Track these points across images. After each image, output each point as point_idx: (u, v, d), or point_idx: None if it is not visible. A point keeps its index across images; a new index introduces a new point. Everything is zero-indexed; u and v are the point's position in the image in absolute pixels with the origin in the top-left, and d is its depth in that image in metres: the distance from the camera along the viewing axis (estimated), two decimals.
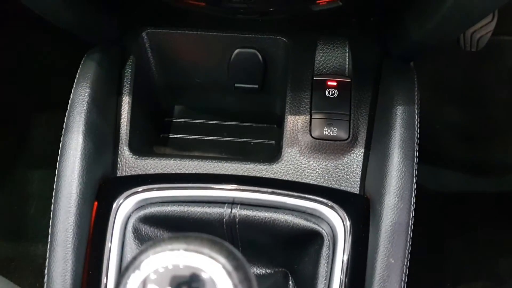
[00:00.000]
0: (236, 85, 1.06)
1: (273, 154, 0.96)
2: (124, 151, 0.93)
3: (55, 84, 1.38)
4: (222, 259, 0.50)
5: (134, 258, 0.51)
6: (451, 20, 0.77)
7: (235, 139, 1.08)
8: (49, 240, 0.84)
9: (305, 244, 0.86)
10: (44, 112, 1.65)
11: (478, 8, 0.76)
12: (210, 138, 1.08)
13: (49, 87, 1.63)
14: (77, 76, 0.93)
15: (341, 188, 0.88)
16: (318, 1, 0.75)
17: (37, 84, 1.67)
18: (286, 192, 0.85)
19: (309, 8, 0.78)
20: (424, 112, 0.97)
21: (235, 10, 0.77)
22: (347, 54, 0.97)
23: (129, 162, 0.92)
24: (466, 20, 0.79)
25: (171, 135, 1.09)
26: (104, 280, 0.83)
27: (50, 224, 0.84)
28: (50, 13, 0.86)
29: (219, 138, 1.08)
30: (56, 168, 0.88)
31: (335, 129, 0.91)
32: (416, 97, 0.88)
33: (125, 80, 0.97)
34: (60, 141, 0.89)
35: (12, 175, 1.61)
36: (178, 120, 1.13)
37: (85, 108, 0.88)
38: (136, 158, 0.92)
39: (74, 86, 0.92)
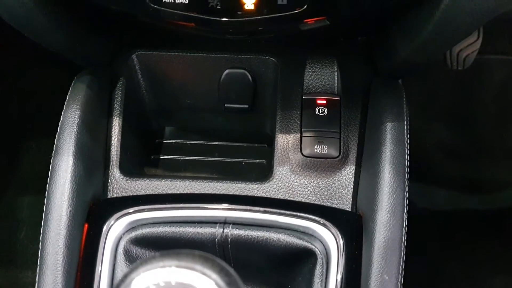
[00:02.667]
0: (226, 105, 1.06)
1: (264, 173, 0.95)
2: (115, 172, 0.92)
3: (45, 106, 1.38)
4: (215, 275, 0.50)
5: (125, 276, 0.51)
6: (437, 37, 0.78)
7: (226, 159, 1.08)
8: (38, 263, 0.82)
9: (298, 262, 0.85)
10: (34, 136, 1.64)
11: (464, 23, 0.77)
12: (201, 158, 1.08)
13: (39, 109, 1.62)
14: (67, 98, 0.93)
15: (333, 205, 0.88)
16: (306, 20, 0.75)
17: (26, 106, 1.66)
18: (278, 211, 0.85)
19: (297, 27, 0.79)
20: (413, 129, 0.98)
21: (224, 30, 0.78)
22: (336, 73, 0.98)
23: (120, 184, 0.91)
24: (452, 36, 0.81)
25: (161, 156, 1.09)
26: None
27: (40, 247, 0.83)
28: (40, 37, 0.86)
29: (210, 158, 1.08)
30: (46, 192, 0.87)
31: (325, 147, 0.91)
32: (405, 113, 0.89)
33: (115, 102, 0.97)
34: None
35: (1, 200, 1.59)
36: (169, 141, 1.12)
37: (75, 130, 0.88)
38: (127, 180, 0.92)
39: (64, 108, 0.91)
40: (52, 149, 0.89)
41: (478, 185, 1.68)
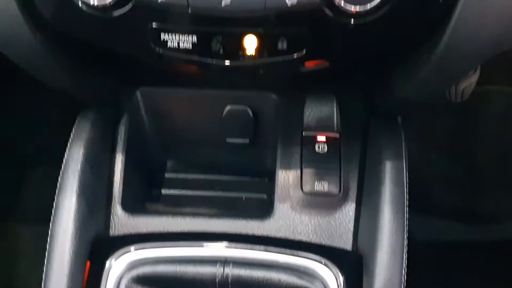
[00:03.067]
0: (227, 140, 1.08)
1: (264, 209, 0.96)
2: (117, 209, 0.93)
3: (47, 141, 1.39)
4: None
5: None
6: (435, 79, 0.80)
7: (227, 194, 1.09)
8: None
9: None
10: (36, 168, 1.65)
11: (462, 66, 0.79)
12: (202, 193, 1.09)
13: (41, 143, 1.63)
14: (71, 136, 0.94)
15: (334, 244, 0.89)
16: (306, 65, 0.77)
17: (28, 139, 1.68)
18: (279, 250, 0.85)
19: (298, 70, 0.81)
20: (413, 161, 0.99)
21: (226, 72, 0.80)
22: (335, 110, 0.99)
23: (122, 221, 0.92)
24: (450, 78, 0.83)
25: (163, 191, 1.10)
26: None
27: (42, 285, 0.84)
28: (45, 76, 0.88)
29: (211, 193, 1.09)
30: (47, 224, 0.88)
31: (326, 184, 0.92)
32: (404, 153, 0.90)
33: (118, 138, 0.98)
34: (52, 197, 0.89)
35: (2, 231, 1.59)
36: (170, 175, 1.14)
37: (79, 168, 0.90)
38: (129, 217, 0.93)
39: (68, 146, 0.93)
40: (54, 181, 0.91)
41: (478, 216, 1.69)
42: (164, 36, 0.75)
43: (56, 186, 0.91)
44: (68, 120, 1.00)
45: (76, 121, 0.97)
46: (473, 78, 1.56)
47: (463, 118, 1.79)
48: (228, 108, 1.04)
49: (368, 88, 1.02)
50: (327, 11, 0.69)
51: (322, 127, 0.98)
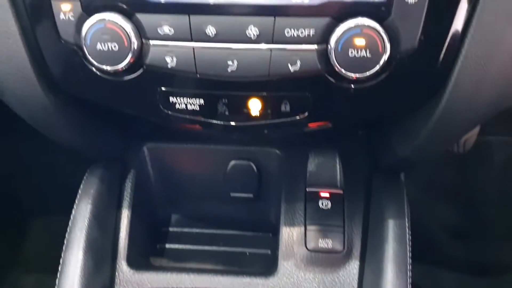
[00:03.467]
0: (231, 194, 1.09)
1: (268, 266, 0.97)
2: (122, 265, 0.94)
3: (52, 186, 1.41)
4: None
5: None
6: (434, 140, 0.82)
7: (231, 249, 1.09)
8: None
9: None
10: (38, 215, 1.66)
11: (460, 128, 0.81)
12: (206, 248, 1.09)
13: (45, 189, 1.65)
14: (79, 192, 0.96)
15: None
16: (309, 125, 0.80)
17: (33, 184, 1.69)
18: None
19: (301, 130, 0.83)
20: (417, 212, 1.00)
21: (231, 132, 0.82)
22: (337, 166, 1.01)
23: (127, 277, 0.93)
24: (449, 138, 0.85)
25: (167, 245, 1.11)
26: None
27: None
28: (55, 135, 0.91)
29: (215, 248, 1.09)
30: (48, 275, 0.88)
31: (330, 241, 0.93)
32: (406, 210, 0.92)
33: (125, 194, 1.00)
34: (54, 247, 0.91)
35: (4, 279, 1.59)
36: (175, 229, 1.15)
37: (86, 224, 0.91)
38: (134, 273, 0.93)
39: (76, 202, 0.95)
40: (58, 231, 0.92)
41: (482, 266, 1.67)
42: (172, 99, 0.78)
43: (57, 237, 0.92)
44: (70, 169, 1.02)
45: (85, 177, 0.99)
46: (475, 130, 1.59)
47: (465, 169, 1.80)
48: (232, 163, 1.06)
49: (370, 145, 1.04)
50: (329, 77, 0.72)
51: (325, 182, 1.00)
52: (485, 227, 1.75)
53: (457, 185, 1.80)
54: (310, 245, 0.93)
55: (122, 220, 0.98)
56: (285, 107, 0.77)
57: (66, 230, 0.93)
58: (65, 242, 0.91)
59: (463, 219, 1.75)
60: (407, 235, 0.88)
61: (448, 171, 1.80)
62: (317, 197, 0.98)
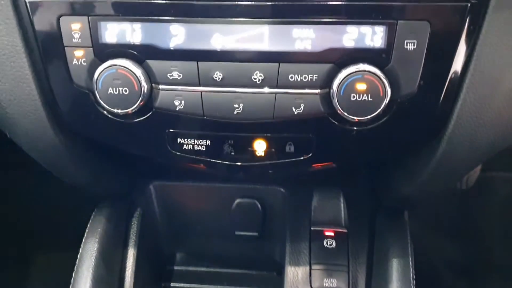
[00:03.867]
0: (236, 232, 1.10)
1: None
2: None
3: (59, 230, 1.41)
4: None
5: None
6: (436, 179, 0.83)
7: None
8: None
9: None
10: (47, 254, 1.66)
11: (461, 167, 0.83)
12: (211, 287, 1.10)
13: (53, 230, 1.65)
14: (86, 230, 0.97)
15: None
16: (313, 166, 0.82)
17: (41, 226, 1.70)
18: None
19: (305, 170, 0.85)
20: (421, 249, 1.00)
21: (236, 172, 0.84)
22: (342, 205, 1.02)
23: None
24: (451, 177, 0.86)
25: (172, 284, 1.11)
26: None
27: None
28: (64, 174, 0.93)
29: (219, 287, 1.10)
30: None
31: (334, 281, 0.93)
32: (410, 250, 0.92)
33: (131, 232, 1.01)
34: (61, 285, 0.91)
35: None
36: (179, 267, 1.15)
37: (93, 263, 0.92)
38: None
39: (84, 240, 0.96)
40: (60, 265, 0.92)
41: None
42: (180, 140, 0.80)
43: (65, 274, 0.93)
44: (78, 206, 1.03)
45: (92, 215, 1.01)
46: (477, 166, 1.60)
47: (469, 205, 1.80)
48: (237, 201, 1.07)
49: (373, 184, 1.06)
50: (331, 120, 0.74)
51: (330, 221, 1.01)
52: (490, 264, 1.74)
53: (461, 222, 1.80)
54: (315, 284, 0.94)
55: (128, 259, 0.99)
56: (290, 148, 0.79)
57: (73, 268, 0.94)
58: (72, 279, 0.92)
59: (468, 256, 1.74)
60: (411, 274, 0.89)
61: (452, 207, 1.80)
62: (321, 236, 0.99)
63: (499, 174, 1.84)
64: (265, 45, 0.72)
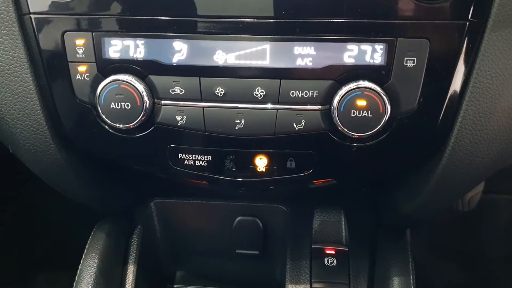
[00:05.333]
0: (237, 251, 1.10)
1: None
2: None
3: (59, 246, 1.41)
4: None
5: None
6: (437, 198, 0.83)
7: None
8: None
9: None
10: (46, 271, 1.65)
11: (462, 185, 0.83)
12: None
13: (53, 247, 1.65)
14: (87, 247, 0.97)
15: None
16: (314, 182, 0.82)
17: (41, 243, 1.69)
18: None
19: (306, 186, 0.85)
20: (423, 270, 0.99)
21: (238, 188, 0.84)
22: (343, 223, 1.02)
23: None
24: (452, 196, 0.86)
25: None
26: None
27: None
28: (67, 190, 0.93)
29: None
30: None
31: None
32: (411, 269, 0.92)
33: (131, 250, 1.01)
34: None
35: None
36: (180, 286, 1.14)
37: (92, 279, 0.91)
38: None
39: (83, 256, 0.95)
40: (59, 281, 0.92)
41: None
42: (181, 155, 0.80)
43: None
44: (78, 223, 1.03)
45: (93, 232, 1.01)
46: (479, 187, 1.60)
47: (471, 227, 1.79)
48: (238, 219, 1.07)
49: (374, 200, 1.06)
50: (332, 136, 0.74)
51: (330, 239, 1.00)
52: (492, 285, 1.72)
53: (463, 244, 1.79)
54: None
55: (128, 276, 0.98)
56: (291, 164, 0.79)
57: (72, 284, 0.93)
58: None
59: (469, 278, 1.73)
60: None
61: (454, 229, 1.79)
62: (322, 254, 0.98)
63: (501, 196, 1.83)
64: (267, 62, 0.73)
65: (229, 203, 1.06)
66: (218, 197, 1.06)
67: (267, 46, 0.72)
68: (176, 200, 1.08)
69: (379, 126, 0.72)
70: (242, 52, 0.73)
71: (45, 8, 0.73)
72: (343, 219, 1.02)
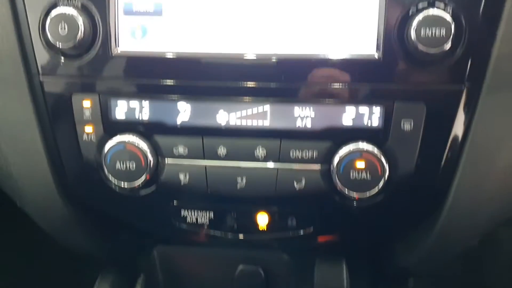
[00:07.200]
0: None
1: None
2: None
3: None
4: None
5: None
6: (437, 253, 0.84)
7: None
8: None
9: None
10: None
11: (463, 239, 0.83)
12: None
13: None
14: None
15: None
16: (314, 239, 0.83)
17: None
18: None
19: (308, 244, 0.86)
20: None
21: (239, 243, 0.85)
22: (344, 273, 1.02)
23: None
24: (453, 250, 0.87)
25: None
26: None
27: None
28: (70, 243, 0.94)
29: None
30: None
31: None
32: None
33: None
34: None
35: None
36: None
37: None
38: None
39: None
40: None
41: None
42: (184, 212, 0.82)
43: None
44: (82, 273, 1.04)
45: (96, 282, 1.01)
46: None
47: (475, 261, 1.78)
48: (240, 267, 1.07)
49: (376, 253, 1.06)
50: (332, 196, 0.76)
51: None
52: None
53: (467, 279, 1.77)
54: None
55: None
56: (291, 222, 0.81)
57: None
58: None
59: None
60: None
61: (457, 261, 1.78)
62: None
63: (504, 228, 1.82)
64: (268, 122, 0.75)
65: (231, 251, 1.07)
66: (220, 245, 1.07)
67: (268, 107, 0.75)
68: (179, 247, 1.08)
69: (378, 187, 0.73)
70: (244, 112, 0.75)
71: (54, 70, 0.76)
72: (344, 269, 1.02)
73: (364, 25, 0.70)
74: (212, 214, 0.81)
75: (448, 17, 0.66)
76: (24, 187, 0.82)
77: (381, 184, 0.73)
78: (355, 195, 0.74)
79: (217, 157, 0.76)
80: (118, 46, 0.74)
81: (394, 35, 0.69)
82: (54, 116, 0.78)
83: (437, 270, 1.29)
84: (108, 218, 0.89)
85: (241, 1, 0.71)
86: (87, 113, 0.77)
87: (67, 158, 0.79)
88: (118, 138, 0.76)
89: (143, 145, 0.76)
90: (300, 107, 0.74)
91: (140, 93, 0.75)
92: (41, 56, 0.75)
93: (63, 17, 0.71)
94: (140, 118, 0.76)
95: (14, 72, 0.76)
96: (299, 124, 0.74)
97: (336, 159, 0.73)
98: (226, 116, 0.75)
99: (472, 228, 0.79)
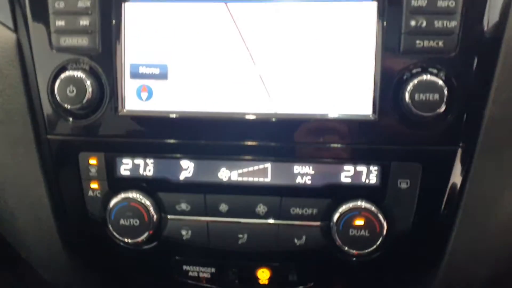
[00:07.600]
0: None
1: None
2: None
3: None
4: None
5: None
6: None
7: None
8: None
9: None
10: None
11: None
12: None
13: None
14: None
15: None
16: None
17: None
18: None
19: None
20: None
21: None
22: None
23: None
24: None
25: None
26: None
27: None
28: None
29: None
30: None
31: None
32: None
33: None
34: None
35: None
36: None
37: None
38: None
39: None
40: None
41: None
42: (186, 267, 0.83)
43: None
44: None
45: None
46: None
47: None
48: None
49: None
50: (332, 252, 0.77)
51: None
52: None
53: None
54: None
55: None
56: (292, 277, 0.82)
57: None
58: None
59: None
60: None
61: None
62: None
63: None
64: (268, 179, 0.77)
65: None
66: None
67: (268, 165, 0.77)
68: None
69: (376, 244, 0.75)
70: (245, 170, 0.77)
71: (61, 131, 0.78)
72: None
73: (361, 88, 0.73)
74: (213, 269, 0.83)
75: (441, 82, 0.69)
76: (30, 240, 0.83)
77: (379, 241, 0.74)
78: (354, 252, 0.75)
79: (218, 214, 0.78)
80: (124, 108, 0.76)
81: (389, 98, 0.72)
82: (61, 173, 0.80)
83: None
84: (109, 272, 0.90)
85: (242, 65, 0.74)
86: (93, 170, 0.79)
87: (72, 213, 0.81)
88: (122, 196, 0.78)
89: (146, 201, 0.78)
90: (300, 165, 0.76)
91: (145, 151, 0.78)
92: (49, 116, 0.78)
93: (71, 79, 0.74)
94: (145, 175, 0.78)
95: (22, 131, 0.79)
96: (299, 180, 0.76)
97: (335, 217, 0.75)
98: (228, 174, 0.77)
99: (470, 282, 0.80)
